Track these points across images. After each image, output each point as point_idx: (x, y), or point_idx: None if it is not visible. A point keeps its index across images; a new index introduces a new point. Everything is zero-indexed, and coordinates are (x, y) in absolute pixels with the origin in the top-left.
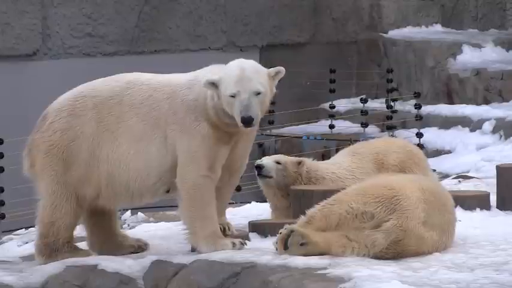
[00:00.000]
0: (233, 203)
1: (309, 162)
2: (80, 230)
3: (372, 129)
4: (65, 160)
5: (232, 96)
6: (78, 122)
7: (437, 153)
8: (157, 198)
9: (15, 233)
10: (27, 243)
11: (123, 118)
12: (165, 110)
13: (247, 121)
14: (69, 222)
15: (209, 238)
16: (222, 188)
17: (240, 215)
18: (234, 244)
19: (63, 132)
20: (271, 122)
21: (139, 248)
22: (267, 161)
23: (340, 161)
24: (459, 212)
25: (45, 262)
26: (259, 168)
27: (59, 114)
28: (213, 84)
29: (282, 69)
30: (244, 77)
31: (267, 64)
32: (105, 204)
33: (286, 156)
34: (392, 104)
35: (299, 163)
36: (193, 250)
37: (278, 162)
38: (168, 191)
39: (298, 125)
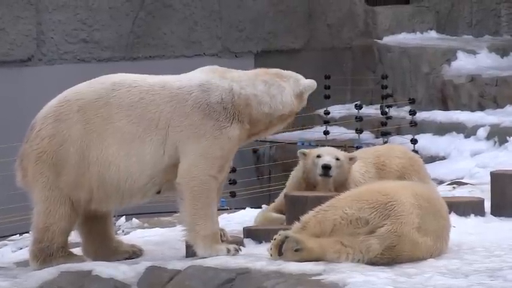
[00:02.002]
0: (228, 209)
1: None
2: (75, 236)
3: (366, 135)
4: (55, 165)
5: None
6: (64, 126)
7: (432, 159)
8: (147, 199)
9: (9, 238)
10: (21, 248)
11: (111, 120)
12: (167, 113)
13: None
14: (64, 227)
15: (207, 239)
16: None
17: (234, 220)
18: (228, 250)
19: (50, 138)
20: None
21: (133, 253)
22: (330, 159)
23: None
24: (454, 218)
25: (39, 267)
26: (328, 168)
27: (45, 121)
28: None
29: None
30: None
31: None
32: (97, 207)
33: (342, 152)
34: (387, 110)
35: (351, 159)
36: (188, 256)
37: (337, 159)
38: (158, 192)
39: (292, 131)
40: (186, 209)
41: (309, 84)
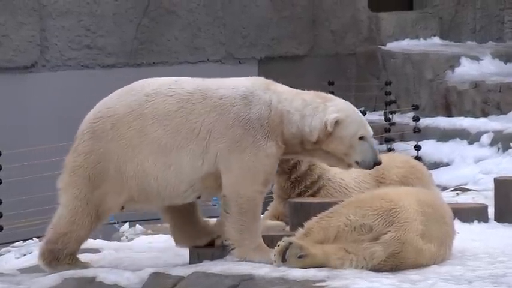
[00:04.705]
0: None
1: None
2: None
3: None
4: (91, 180)
5: (360, 138)
6: (100, 144)
7: (436, 165)
8: (189, 202)
9: (13, 245)
10: (25, 255)
11: (146, 131)
12: (209, 124)
13: (377, 166)
14: (82, 236)
15: (259, 249)
16: None
17: None
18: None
19: (86, 155)
20: None
21: (218, 238)
22: None
23: (350, 171)
24: (457, 224)
25: (43, 267)
26: None
27: (82, 137)
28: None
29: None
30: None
31: (266, 76)
32: (138, 207)
33: None
34: (390, 116)
35: None
36: (191, 262)
37: None
38: (199, 197)
39: None
40: (233, 225)
41: (331, 121)
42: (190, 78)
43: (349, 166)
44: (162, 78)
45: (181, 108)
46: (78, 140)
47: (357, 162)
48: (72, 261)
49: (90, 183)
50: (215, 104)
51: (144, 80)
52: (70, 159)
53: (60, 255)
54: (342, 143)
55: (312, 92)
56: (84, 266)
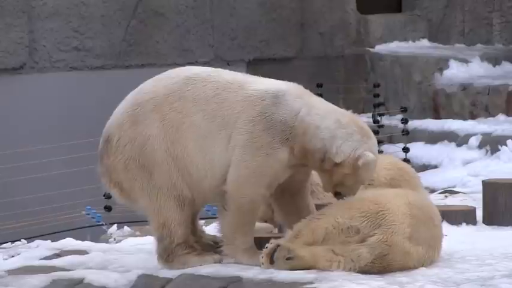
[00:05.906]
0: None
1: None
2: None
3: None
4: (145, 167)
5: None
6: (143, 127)
7: (424, 168)
8: (220, 200)
9: (1, 246)
10: (13, 256)
11: (187, 113)
12: (237, 113)
13: None
14: (178, 218)
15: (247, 252)
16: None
17: None
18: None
19: (131, 142)
20: None
21: (216, 243)
22: None
23: None
24: (445, 227)
25: (167, 267)
26: None
27: (122, 128)
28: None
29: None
30: None
31: None
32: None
33: None
34: (379, 118)
35: None
36: None
37: None
38: None
39: None
40: (228, 222)
41: (366, 159)
42: (229, 71)
43: (331, 191)
44: (200, 67)
45: (218, 95)
46: (117, 135)
47: (339, 193)
48: (188, 249)
49: (146, 170)
50: (247, 94)
51: (180, 68)
52: (117, 157)
53: (172, 248)
54: (354, 178)
55: (348, 113)
56: (212, 259)
